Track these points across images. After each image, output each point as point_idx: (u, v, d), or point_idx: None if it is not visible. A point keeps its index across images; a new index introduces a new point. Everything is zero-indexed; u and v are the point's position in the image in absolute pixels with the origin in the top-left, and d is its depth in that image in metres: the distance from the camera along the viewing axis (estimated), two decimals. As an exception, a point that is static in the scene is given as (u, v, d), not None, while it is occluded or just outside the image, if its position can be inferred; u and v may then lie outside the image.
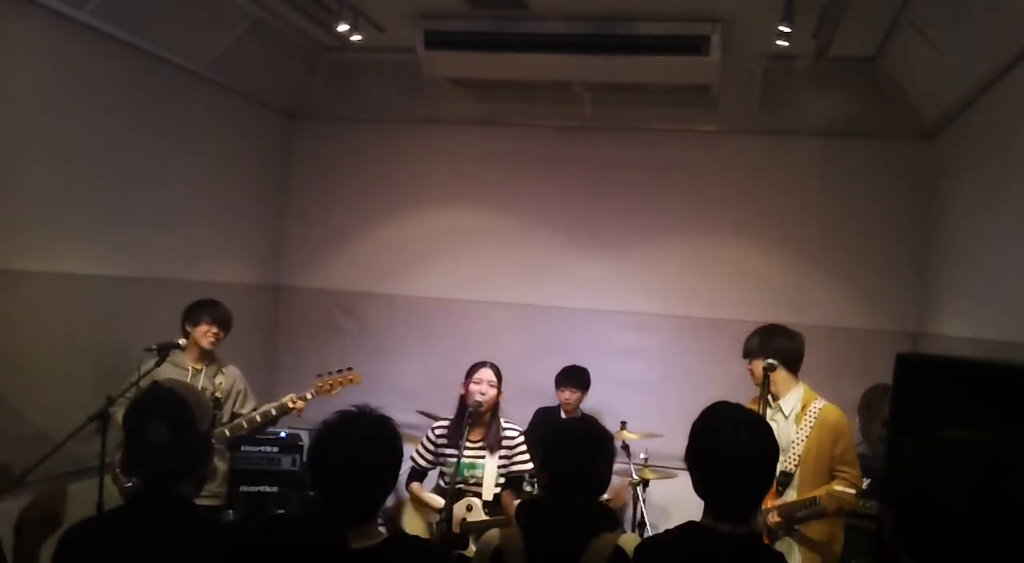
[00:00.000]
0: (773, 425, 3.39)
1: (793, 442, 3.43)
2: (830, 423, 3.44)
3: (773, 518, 3.36)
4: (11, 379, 3.96)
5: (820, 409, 3.47)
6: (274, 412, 4.03)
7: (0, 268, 3.93)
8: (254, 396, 4.30)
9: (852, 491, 3.23)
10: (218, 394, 4.05)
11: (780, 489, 3.39)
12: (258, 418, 4.03)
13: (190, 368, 4.09)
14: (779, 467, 3.35)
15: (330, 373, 4.18)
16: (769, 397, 3.57)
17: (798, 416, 3.48)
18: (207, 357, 4.15)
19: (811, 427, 3.43)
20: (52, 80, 4.18)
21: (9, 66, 3.93)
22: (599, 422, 5.16)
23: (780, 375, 3.50)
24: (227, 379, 4.18)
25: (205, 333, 4.06)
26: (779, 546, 3.36)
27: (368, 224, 6.30)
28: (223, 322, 4.13)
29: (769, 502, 3.41)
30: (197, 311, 4.12)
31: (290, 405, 4.02)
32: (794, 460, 3.42)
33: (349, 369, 4.20)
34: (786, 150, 5.64)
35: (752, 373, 3.57)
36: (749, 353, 3.60)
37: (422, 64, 5.46)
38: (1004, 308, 3.76)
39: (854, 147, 5.51)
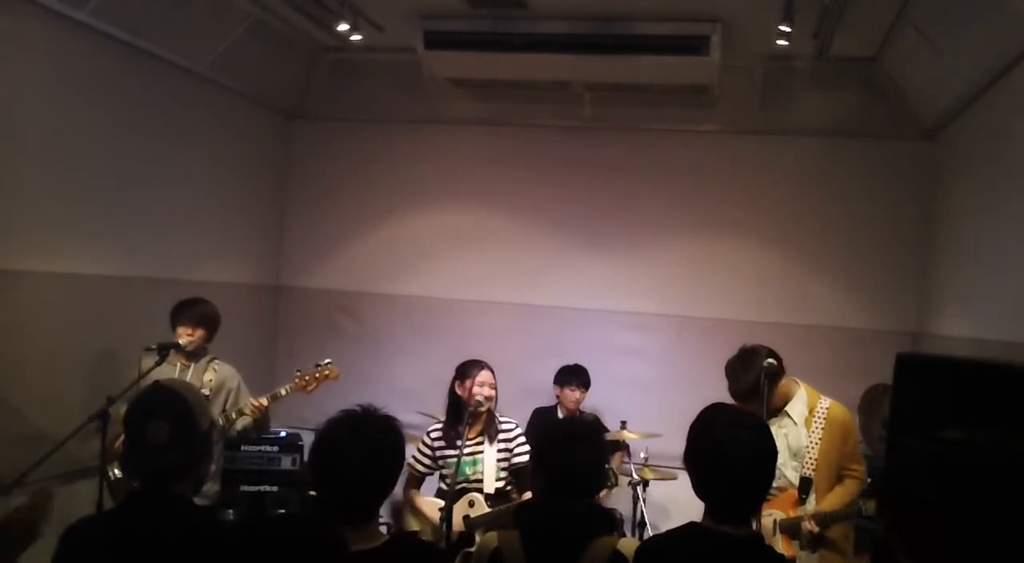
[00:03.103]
0: (783, 432, 3.38)
1: (807, 447, 3.39)
2: (839, 423, 3.42)
3: (810, 526, 3.28)
4: (11, 379, 3.96)
5: (827, 409, 3.44)
6: (248, 410, 3.98)
7: (0, 268, 3.93)
8: (248, 395, 4.27)
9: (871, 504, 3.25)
10: (206, 391, 4.02)
11: (803, 497, 3.35)
12: (233, 416, 4.00)
13: (178, 364, 4.08)
14: (798, 473, 3.35)
15: (307, 368, 4.09)
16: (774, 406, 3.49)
17: (807, 420, 3.43)
18: (197, 354, 4.15)
19: (822, 429, 3.39)
20: (52, 80, 4.18)
21: (9, 66, 3.93)
22: (598, 419, 5.16)
23: (781, 381, 3.43)
24: (217, 376, 4.14)
25: (180, 334, 4.05)
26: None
27: (368, 224, 6.29)
28: (198, 321, 4.09)
29: (791, 511, 3.38)
30: (172, 315, 4.11)
31: (258, 404, 3.98)
32: (811, 465, 3.37)
33: (327, 363, 4.10)
34: (786, 150, 5.64)
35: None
36: (750, 393, 3.36)
37: (422, 64, 5.46)
38: (1004, 308, 3.76)
39: (854, 147, 5.50)
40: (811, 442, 3.39)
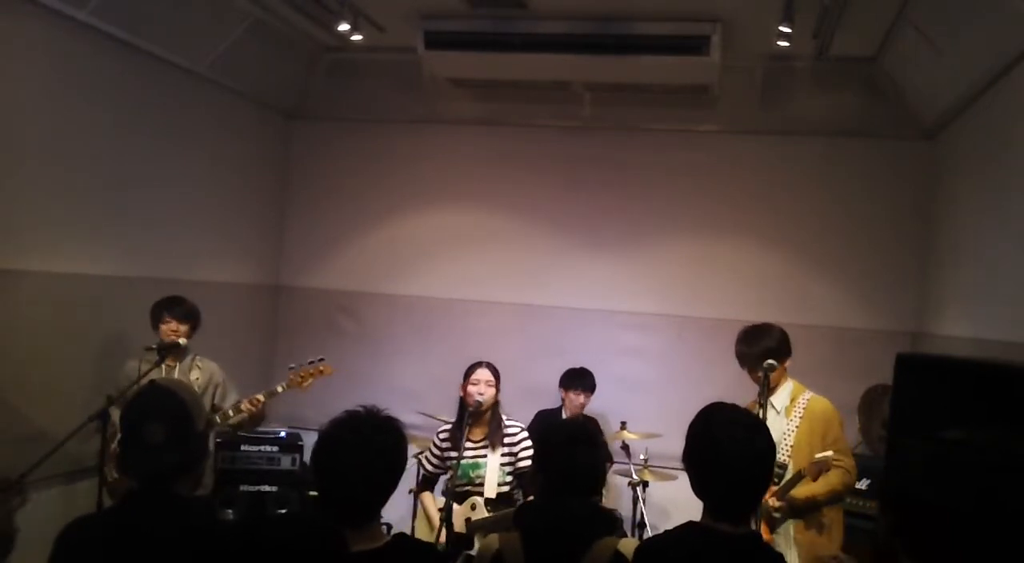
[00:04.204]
0: (767, 422, 3.46)
1: (785, 434, 3.50)
2: (818, 413, 3.52)
3: (773, 502, 3.37)
4: (11, 379, 3.96)
5: (808, 400, 3.55)
6: (246, 407, 4.00)
7: (0, 268, 3.93)
8: (235, 390, 4.28)
9: (829, 453, 3.30)
10: (194, 387, 4.04)
11: (776, 481, 3.43)
12: (231, 413, 4.01)
13: (164, 366, 4.09)
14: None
15: (301, 365, 4.13)
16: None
17: (787, 409, 3.56)
18: (181, 353, 4.16)
19: (800, 418, 3.51)
20: (52, 80, 4.18)
21: (9, 66, 3.93)
22: (596, 423, 5.19)
23: (780, 375, 3.57)
24: (204, 373, 4.18)
25: (165, 332, 4.06)
26: (780, 531, 3.43)
27: (368, 224, 6.29)
28: (183, 316, 4.12)
29: (767, 495, 3.44)
30: (156, 311, 4.13)
31: (256, 400, 3.99)
32: (787, 451, 3.48)
33: (321, 360, 4.15)
34: (786, 150, 5.64)
35: (758, 378, 3.57)
36: (743, 362, 3.59)
37: (422, 64, 5.46)
38: (1004, 308, 3.76)
39: (854, 147, 5.50)
40: (788, 430, 3.51)
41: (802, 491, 3.38)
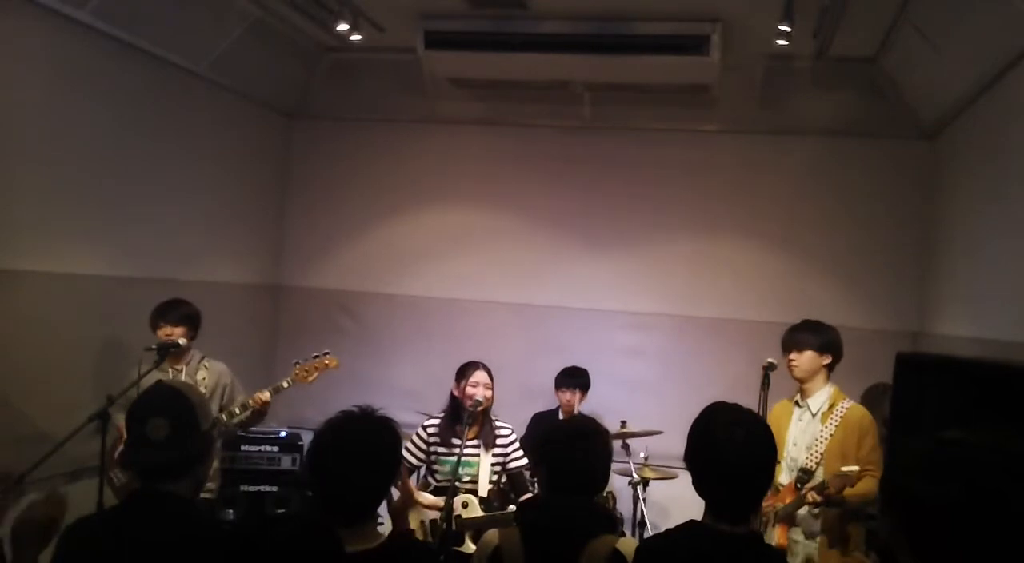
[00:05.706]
0: (800, 424, 3.49)
1: (817, 440, 3.49)
2: (855, 422, 3.49)
3: (812, 497, 3.33)
4: (11, 379, 3.96)
5: (847, 409, 3.53)
6: (251, 404, 3.98)
7: (0, 268, 3.93)
8: (243, 391, 4.27)
9: (856, 468, 3.28)
10: (201, 389, 4.03)
11: (799, 486, 3.42)
12: (237, 411, 4.00)
13: (170, 369, 4.08)
14: (801, 464, 3.44)
15: (306, 359, 4.12)
16: (798, 396, 3.66)
17: (824, 415, 3.54)
18: (186, 355, 4.15)
19: (836, 426, 3.49)
20: (52, 80, 4.18)
21: (9, 66, 3.93)
22: (596, 421, 5.18)
23: (818, 373, 3.60)
24: (211, 375, 4.16)
25: (160, 336, 4.05)
26: (800, 548, 3.44)
27: (368, 224, 6.29)
28: (178, 320, 4.08)
29: (788, 498, 3.45)
30: (152, 318, 4.11)
31: (260, 398, 3.98)
32: (816, 458, 3.46)
33: (326, 354, 4.13)
34: (786, 150, 5.64)
35: (794, 366, 3.59)
36: (800, 344, 3.61)
37: (422, 64, 5.46)
38: (1004, 308, 3.76)
39: (854, 147, 5.50)
40: (822, 437, 3.50)
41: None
